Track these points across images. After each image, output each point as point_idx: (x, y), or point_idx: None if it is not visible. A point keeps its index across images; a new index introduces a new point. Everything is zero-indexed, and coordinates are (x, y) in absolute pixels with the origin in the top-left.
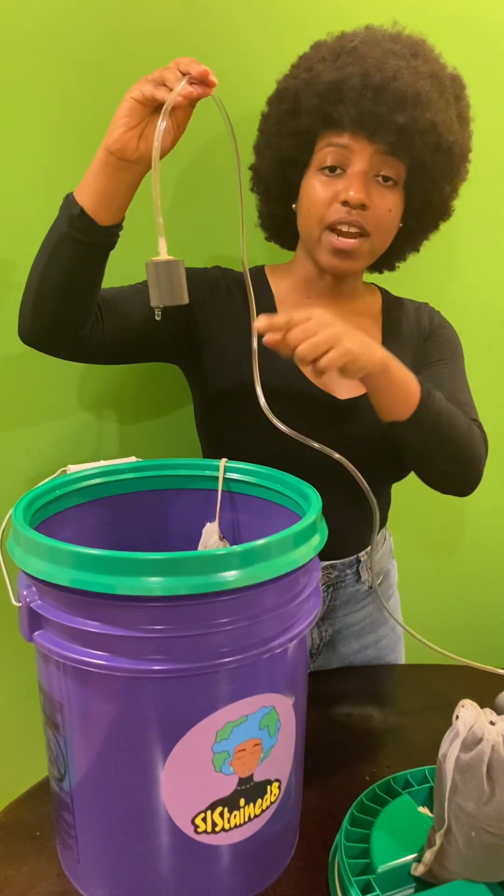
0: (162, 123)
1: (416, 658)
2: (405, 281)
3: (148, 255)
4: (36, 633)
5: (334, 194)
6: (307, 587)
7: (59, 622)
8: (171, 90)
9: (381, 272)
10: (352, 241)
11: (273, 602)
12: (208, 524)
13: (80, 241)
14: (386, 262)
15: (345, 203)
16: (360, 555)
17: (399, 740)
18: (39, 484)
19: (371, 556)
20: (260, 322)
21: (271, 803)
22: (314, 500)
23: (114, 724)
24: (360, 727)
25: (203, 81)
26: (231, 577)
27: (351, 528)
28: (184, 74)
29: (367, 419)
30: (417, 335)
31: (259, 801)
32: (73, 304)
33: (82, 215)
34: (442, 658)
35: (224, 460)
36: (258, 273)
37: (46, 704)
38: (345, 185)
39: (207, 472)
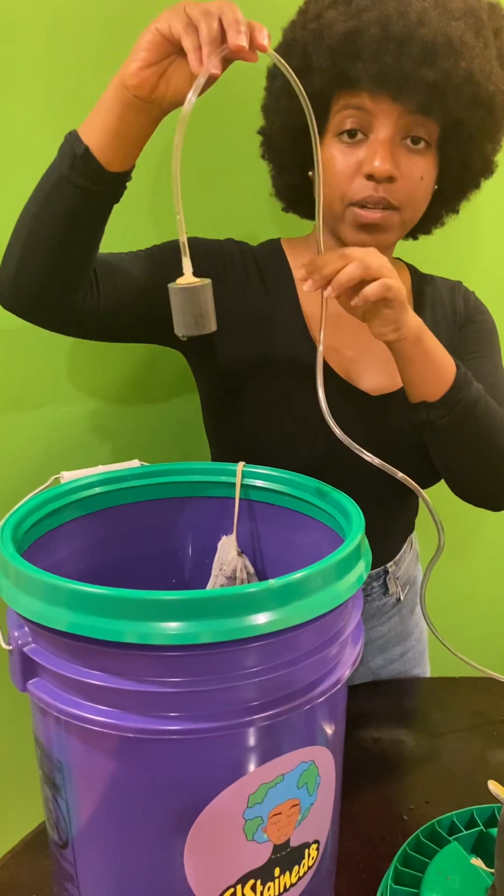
0: (190, 102)
1: (440, 670)
2: (428, 255)
3: (148, 222)
4: (30, 682)
5: (356, 165)
6: (350, 621)
7: (56, 671)
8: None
9: (415, 238)
10: (379, 213)
11: (312, 644)
12: (224, 537)
13: (81, 187)
14: (421, 227)
15: (369, 177)
16: (388, 565)
17: (435, 769)
18: (29, 496)
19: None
20: (300, 270)
21: (309, 868)
22: (355, 516)
23: (124, 790)
24: (391, 753)
25: (245, 50)
26: (263, 620)
27: (380, 538)
28: (223, 31)
29: (398, 417)
30: (452, 320)
31: (296, 867)
32: (66, 261)
33: (87, 156)
34: (469, 669)
35: (241, 464)
36: (273, 247)
37: (44, 761)
38: (368, 154)
39: (223, 478)
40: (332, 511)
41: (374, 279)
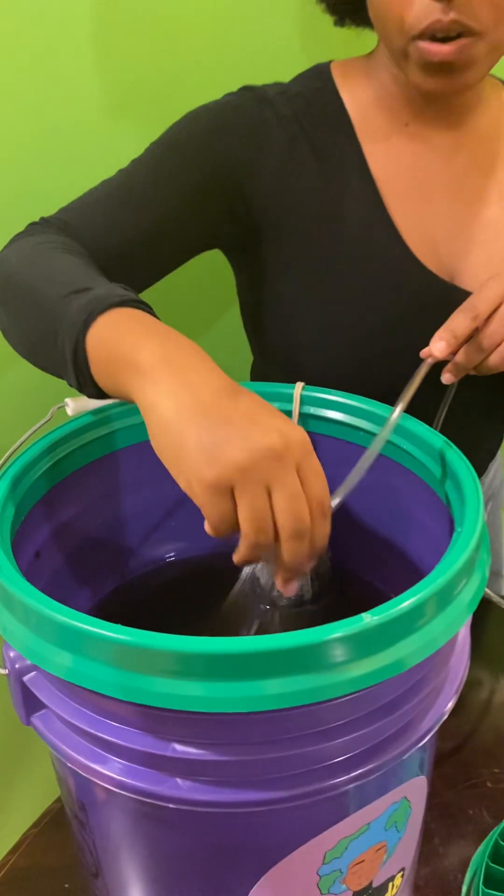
0: None
1: None
2: None
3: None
4: (35, 717)
5: None
6: (461, 633)
7: (65, 717)
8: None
9: None
10: (453, 46)
11: (415, 681)
12: None
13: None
14: None
15: None
16: None
17: None
18: (25, 437)
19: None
20: (437, 345)
21: None
22: (469, 489)
23: (165, 856)
24: (466, 698)
25: None
26: (352, 674)
27: (469, 455)
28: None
29: None
30: None
31: None
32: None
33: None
34: None
35: (300, 385)
36: (321, 84)
37: (61, 784)
38: None
39: (276, 404)
40: (421, 457)
41: None
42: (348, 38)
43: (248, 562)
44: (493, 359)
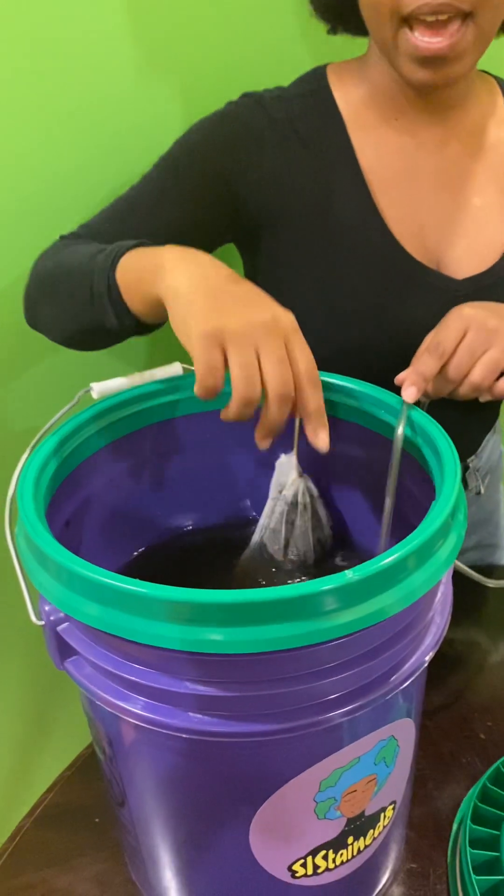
0: None
1: None
2: None
3: None
4: (68, 661)
5: None
6: (438, 593)
7: (94, 661)
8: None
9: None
10: (443, 39)
11: (394, 631)
12: (283, 456)
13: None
14: None
15: None
16: (469, 460)
17: None
18: (54, 419)
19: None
20: (408, 391)
21: (384, 827)
22: (448, 457)
23: (180, 781)
24: (466, 658)
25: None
26: (339, 621)
27: (459, 434)
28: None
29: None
30: None
31: (370, 832)
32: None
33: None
34: None
35: None
36: (317, 80)
37: (91, 724)
38: None
39: None
40: (412, 436)
41: None
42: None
43: (236, 417)
44: (463, 389)
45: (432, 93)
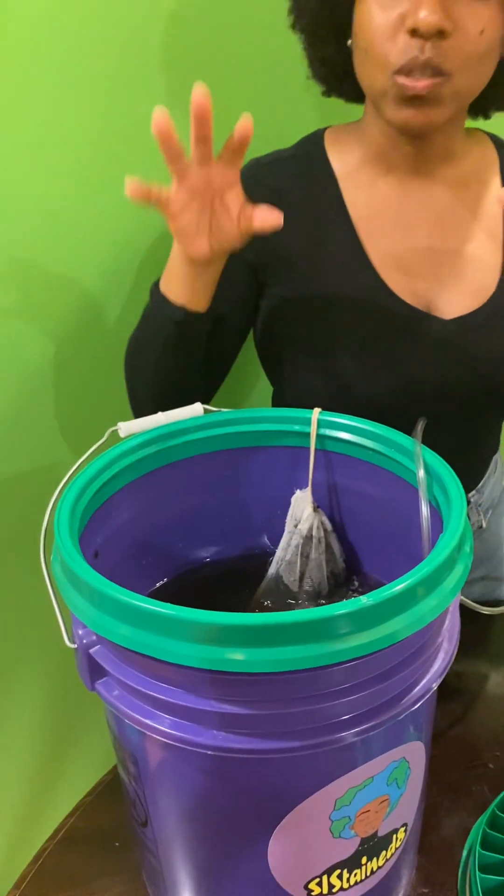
0: None
1: None
2: None
3: None
4: (98, 683)
5: (399, 19)
6: (447, 618)
7: (124, 681)
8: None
9: (487, 117)
10: (425, 81)
11: (406, 654)
12: (298, 492)
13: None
14: (493, 100)
15: (414, 32)
16: (470, 495)
17: None
18: (85, 457)
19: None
20: None
21: (396, 849)
22: (454, 493)
23: (202, 797)
24: (472, 689)
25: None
26: (353, 643)
27: (459, 470)
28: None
29: (482, 342)
30: None
31: (383, 853)
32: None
33: (184, 312)
34: None
35: (317, 411)
36: (314, 143)
37: (116, 745)
38: (412, 3)
39: (296, 427)
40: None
41: None
42: None
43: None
44: None
45: (419, 140)
